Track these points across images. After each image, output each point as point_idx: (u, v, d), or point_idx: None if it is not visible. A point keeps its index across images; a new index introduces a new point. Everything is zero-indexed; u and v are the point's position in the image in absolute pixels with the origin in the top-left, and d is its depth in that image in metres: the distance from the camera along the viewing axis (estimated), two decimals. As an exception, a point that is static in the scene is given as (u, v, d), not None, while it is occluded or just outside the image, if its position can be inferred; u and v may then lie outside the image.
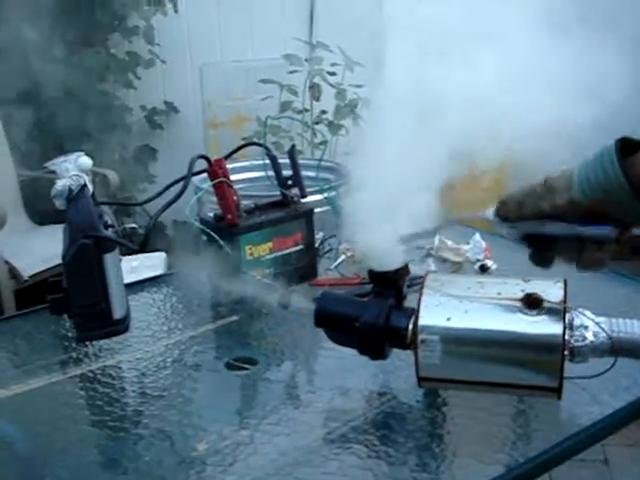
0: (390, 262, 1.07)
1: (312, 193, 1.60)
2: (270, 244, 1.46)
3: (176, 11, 3.96)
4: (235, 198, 1.43)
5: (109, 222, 1.25)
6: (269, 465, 0.97)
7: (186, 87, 4.26)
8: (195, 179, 1.48)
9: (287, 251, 1.49)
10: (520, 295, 0.99)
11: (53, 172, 1.21)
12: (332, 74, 3.72)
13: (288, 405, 1.14)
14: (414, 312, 1.03)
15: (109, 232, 1.21)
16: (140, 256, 1.59)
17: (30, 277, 2.95)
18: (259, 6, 4.12)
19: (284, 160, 1.53)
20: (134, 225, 2.48)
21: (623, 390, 1.09)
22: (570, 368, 0.98)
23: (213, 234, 1.39)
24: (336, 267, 1.57)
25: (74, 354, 1.30)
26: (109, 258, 1.20)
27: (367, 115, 1.05)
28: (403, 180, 1.00)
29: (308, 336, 1.31)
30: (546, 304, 0.97)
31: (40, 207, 3.52)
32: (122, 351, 1.30)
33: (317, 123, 3.81)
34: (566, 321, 0.97)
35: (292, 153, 1.52)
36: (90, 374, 1.24)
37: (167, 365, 1.26)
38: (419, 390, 1.10)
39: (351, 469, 0.96)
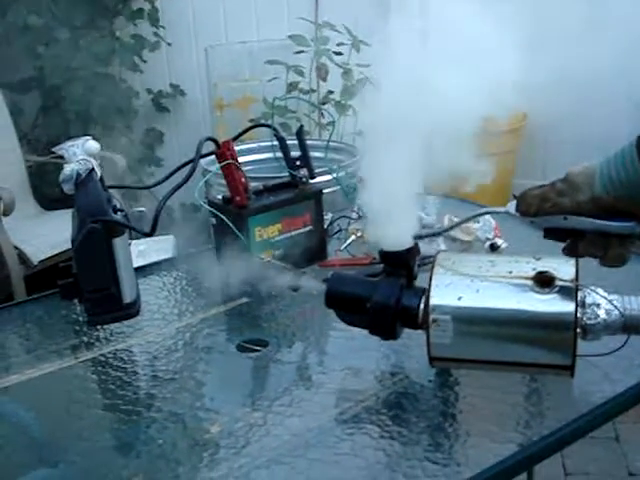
0: (400, 241, 1.06)
1: (321, 174, 1.59)
2: (279, 225, 1.46)
3: (180, -8, 3.95)
4: (243, 180, 1.43)
5: (118, 206, 1.25)
6: (282, 446, 0.97)
7: (192, 69, 4.24)
8: (203, 161, 1.48)
9: (296, 232, 1.48)
10: (532, 273, 0.99)
11: (61, 157, 1.21)
12: (338, 54, 3.70)
13: (300, 386, 1.14)
14: (425, 292, 1.02)
15: (118, 216, 1.21)
16: (148, 240, 1.59)
17: (40, 262, 2.96)
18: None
19: (292, 141, 1.52)
20: (142, 209, 2.47)
21: (636, 367, 1.09)
22: (582, 346, 0.98)
23: (222, 216, 1.38)
24: (346, 247, 1.57)
25: (85, 338, 1.30)
26: (118, 242, 1.20)
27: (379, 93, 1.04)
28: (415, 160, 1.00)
29: (319, 317, 1.31)
30: (558, 282, 0.97)
31: (49, 192, 3.53)
32: (133, 335, 1.31)
33: (324, 103, 3.80)
34: (578, 299, 0.97)
35: (300, 134, 1.51)
36: (102, 358, 1.24)
37: (178, 348, 1.26)
38: (431, 370, 1.09)
39: (364, 449, 0.96)
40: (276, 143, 1.52)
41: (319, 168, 1.58)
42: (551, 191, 0.92)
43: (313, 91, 3.83)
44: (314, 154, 1.59)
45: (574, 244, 0.95)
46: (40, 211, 3.50)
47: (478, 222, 1.58)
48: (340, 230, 1.64)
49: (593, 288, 0.99)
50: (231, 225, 1.37)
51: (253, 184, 1.49)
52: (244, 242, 1.38)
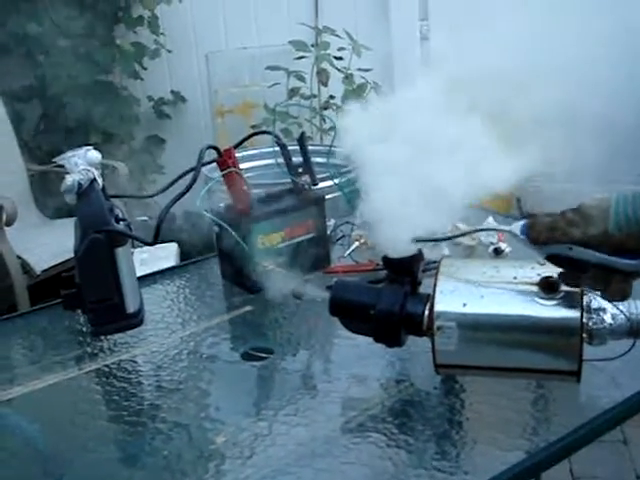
0: (404, 248, 1.06)
1: (323, 180, 1.59)
2: (282, 233, 1.45)
3: (180, 0, 3.95)
4: (245, 187, 1.42)
5: (120, 215, 1.24)
6: (288, 456, 0.97)
7: (192, 76, 4.25)
8: (205, 169, 1.47)
9: (299, 239, 1.48)
10: (536, 279, 0.98)
11: (62, 166, 1.21)
12: (339, 59, 3.70)
13: (305, 395, 1.13)
14: (430, 298, 1.02)
15: (120, 226, 1.21)
16: (151, 248, 1.59)
17: (42, 272, 2.95)
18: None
19: (294, 147, 1.52)
20: (145, 218, 2.47)
21: (643, 371, 1.09)
22: (589, 351, 0.97)
23: (224, 224, 1.38)
24: (349, 254, 1.56)
25: (89, 349, 1.30)
26: (121, 252, 1.19)
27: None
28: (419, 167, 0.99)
29: (323, 325, 1.30)
30: (563, 287, 0.96)
31: (51, 201, 3.53)
32: (137, 345, 1.30)
33: (325, 108, 3.80)
34: (584, 304, 0.96)
35: (302, 140, 1.51)
36: (106, 369, 1.23)
37: (183, 357, 1.25)
38: (436, 377, 1.09)
39: (371, 458, 0.95)
40: (278, 149, 1.51)
41: (321, 174, 1.57)
42: (561, 220, 0.92)
43: (314, 96, 3.83)
44: (316, 159, 1.58)
45: (575, 275, 0.94)
46: (43, 220, 3.50)
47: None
48: (343, 236, 1.64)
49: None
50: (234, 233, 1.36)
51: (255, 191, 1.48)
52: (247, 250, 1.38)
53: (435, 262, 1.08)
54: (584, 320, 0.96)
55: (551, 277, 0.97)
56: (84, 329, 1.35)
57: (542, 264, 1.01)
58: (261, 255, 1.41)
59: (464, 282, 1.01)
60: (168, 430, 1.05)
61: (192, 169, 1.33)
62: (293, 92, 3.74)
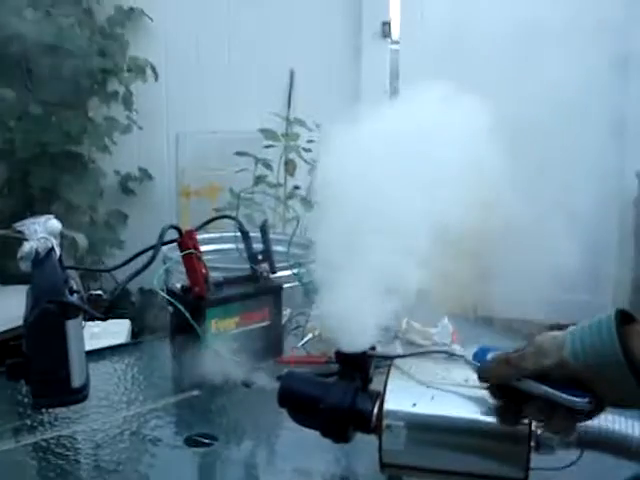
0: (357, 343, 1.05)
1: (282, 269, 1.59)
2: (237, 319, 1.45)
3: (156, 79, 4.00)
4: (204, 271, 1.42)
5: (74, 287, 1.23)
6: None
7: (161, 154, 4.27)
8: (164, 247, 1.47)
9: (254, 326, 1.47)
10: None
11: (22, 232, 1.20)
12: (307, 150, 3.76)
13: (247, 486, 1.11)
14: (380, 396, 1.01)
15: (74, 298, 1.19)
16: (103, 322, 1.56)
17: (-10, 337, 2.88)
18: (238, 79, 4.17)
19: (256, 234, 1.52)
20: (99, 292, 2.44)
21: (589, 484, 1.08)
22: (536, 459, 0.97)
23: (179, 306, 1.37)
24: (303, 345, 1.55)
25: (28, 421, 1.27)
26: (72, 324, 1.17)
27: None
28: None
29: (270, 415, 1.28)
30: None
31: (8, 266, 3.47)
32: (78, 421, 1.27)
33: (290, 198, 3.83)
34: (533, 412, 0.96)
35: (264, 228, 1.52)
36: (44, 443, 1.20)
37: (124, 438, 1.22)
38: (382, 476, 1.07)
39: None
40: (239, 235, 1.52)
41: (281, 262, 1.58)
42: (514, 356, 0.91)
43: (280, 185, 3.86)
44: (277, 248, 1.59)
45: (518, 406, 0.93)
46: (-5, 285, 3.44)
47: (436, 327, 1.58)
48: (298, 327, 1.63)
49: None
50: (188, 315, 1.35)
51: (213, 274, 1.48)
52: (200, 333, 1.36)
53: (388, 358, 1.08)
54: (532, 428, 0.95)
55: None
56: (26, 400, 1.32)
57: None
58: (214, 340, 1.39)
59: (415, 382, 1.01)
60: (102, 513, 1.02)
61: (152, 247, 1.32)
62: (259, 179, 3.77)
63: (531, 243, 1.07)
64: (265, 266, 1.51)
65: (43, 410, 1.28)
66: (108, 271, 1.49)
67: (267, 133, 3.78)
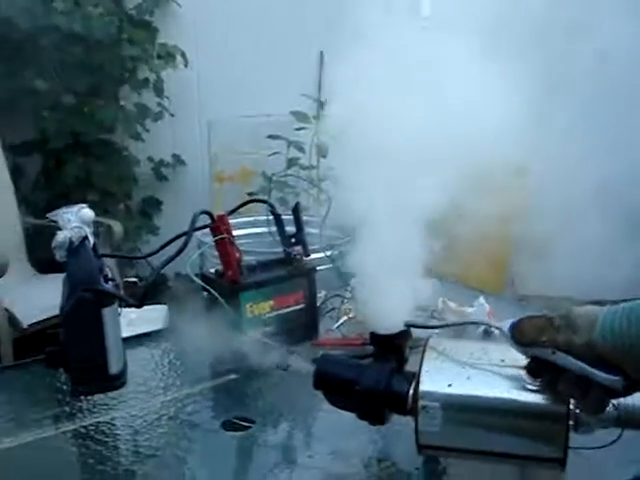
0: (392, 324, 1.05)
1: (315, 251, 1.59)
2: (271, 302, 1.45)
3: (186, 65, 4.01)
4: (237, 255, 1.42)
5: (109, 275, 1.24)
6: (263, 532, 0.95)
7: (194, 140, 4.29)
8: (199, 233, 1.47)
9: (288, 310, 1.47)
10: (524, 362, 0.97)
11: (55, 222, 1.21)
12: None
13: (284, 469, 1.11)
14: (415, 377, 1.00)
15: (109, 285, 1.20)
16: (140, 309, 1.57)
17: (29, 326, 2.92)
18: (268, 62, 4.16)
19: (289, 216, 1.52)
20: (135, 279, 2.46)
21: (629, 463, 1.07)
22: (575, 438, 0.96)
23: (213, 291, 1.37)
24: (338, 327, 1.55)
25: (68, 408, 1.28)
26: (108, 312, 1.18)
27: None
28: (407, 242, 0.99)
29: (306, 398, 1.28)
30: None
31: (45, 255, 3.51)
32: (117, 407, 1.28)
33: (323, 180, 3.82)
34: (571, 391, 0.95)
35: (297, 211, 1.52)
36: (83, 430, 1.21)
37: (162, 423, 1.23)
38: (419, 457, 1.07)
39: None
40: (272, 219, 1.51)
41: (314, 245, 1.57)
42: (548, 325, 0.91)
43: (313, 167, 3.85)
44: (310, 230, 1.59)
45: (554, 380, 0.92)
46: (34, 274, 3.48)
47: (472, 306, 1.57)
48: (333, 309, 1.63)
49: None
50: (222, 300, 1.35)
51: (247, 258, 1.48)
52: (235, 318, 1.37)
53: (423, 340, 1.07)
54: (571, 407, 0.94)
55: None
56: (65, 387, 1.33)
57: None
58: (249, 324, 1.40)
59: (451, 362, 1.00)
60: (142, 498, 1.03)
61: (184, 233, 1.32)
62: (292, 162, 3.77)
63: (573, 220, 1.05)
64: (299, 249, 1.51)
65: (82, 397, 1.29)
66: (143, 257, 1.50)
67: (298, 115, 3.77)
